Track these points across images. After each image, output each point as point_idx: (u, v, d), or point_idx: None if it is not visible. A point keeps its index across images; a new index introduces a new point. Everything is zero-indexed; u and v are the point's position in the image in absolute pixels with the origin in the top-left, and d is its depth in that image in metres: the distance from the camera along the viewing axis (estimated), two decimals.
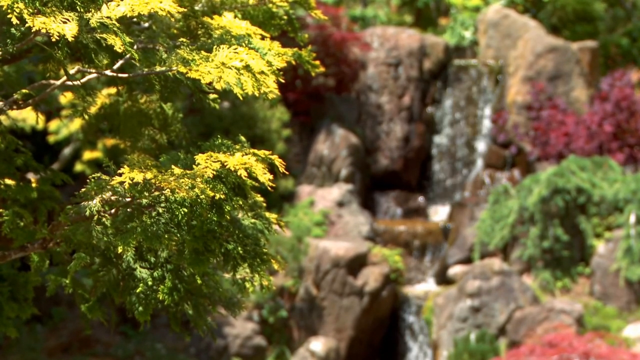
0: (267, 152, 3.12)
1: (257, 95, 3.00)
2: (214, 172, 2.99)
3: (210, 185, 2.96)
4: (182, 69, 2.98)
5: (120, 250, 2.99)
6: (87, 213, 3.07)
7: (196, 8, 3.59)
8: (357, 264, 11.23)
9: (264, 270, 3.34)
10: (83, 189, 3.14)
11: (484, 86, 14.16)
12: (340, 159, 12.93)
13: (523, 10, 16.32)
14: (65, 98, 9.25)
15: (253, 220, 3.40)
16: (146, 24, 3.57)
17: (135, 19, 3.45)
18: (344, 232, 12.19)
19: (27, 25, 2.75)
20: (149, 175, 2.95)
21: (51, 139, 11.06)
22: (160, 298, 3.27)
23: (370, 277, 11.20)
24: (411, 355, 11.55)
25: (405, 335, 11.60)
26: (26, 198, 3.92)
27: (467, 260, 11.64)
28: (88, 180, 3.15)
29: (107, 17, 2.83)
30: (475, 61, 14.54)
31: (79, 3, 2.85)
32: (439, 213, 13.74)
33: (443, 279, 11.85)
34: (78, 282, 3.64)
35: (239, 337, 10.43)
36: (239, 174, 2.98)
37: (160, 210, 3.01)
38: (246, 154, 3.05)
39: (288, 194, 12.67)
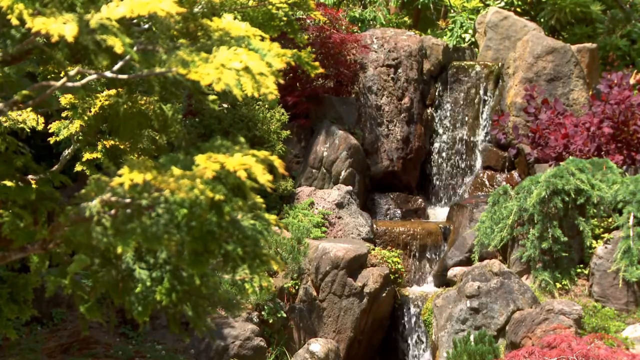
0: (266, 153, 3.11)
1: (256, 96, 2.99)
2: (214, 173, 2.98)
3: (210, 186, 2.96)
4: (182, 71, 2.98)
5: (119, 250, 2.99)
6: (87, 214, 3.07)
7: (196, 9, 3.58)
8: (356, 265, 11.22)
9: (263, 271, 3.34)
10: (83, 190, 3.13)
11: (483, 88, 14.17)
12: (339, 161, 12.93)
13: (522, 12, 16.33)
14: (65, 99, 9.26)
15: (252, 222, 3.39)
16: (146, 25, 3.57)
17: (134, 20, 3.46)
18: (343, 233, 12.19)
19: (27, 26, 2.75)
20: (148, 176, 2.94)
21: (51, 140, 11.03)
22: (158, 299, 3.27)
23: (369, 279, 11.19)
24: (410, 356, 11.55)
25: (404, 336, 11.60)
26: (26, 199, 3.92)
27: (467, 262, 11.64)
28: (88, 182, 3.15)
29: (107, 18, 2.83)
30: (475, 63, 14.54)
31: (78, 4, 2.85)
32: (439, 214, 13.75)
33: (442, 280, 11.85)
34: (77, 283, 3.64)
35: (239, 338, 10.42)
36: (238, 175, 2.98)
37: (160, 211, 3.01)
38: (245, 155, 3.05)
39: (287, 195, 12.66)
